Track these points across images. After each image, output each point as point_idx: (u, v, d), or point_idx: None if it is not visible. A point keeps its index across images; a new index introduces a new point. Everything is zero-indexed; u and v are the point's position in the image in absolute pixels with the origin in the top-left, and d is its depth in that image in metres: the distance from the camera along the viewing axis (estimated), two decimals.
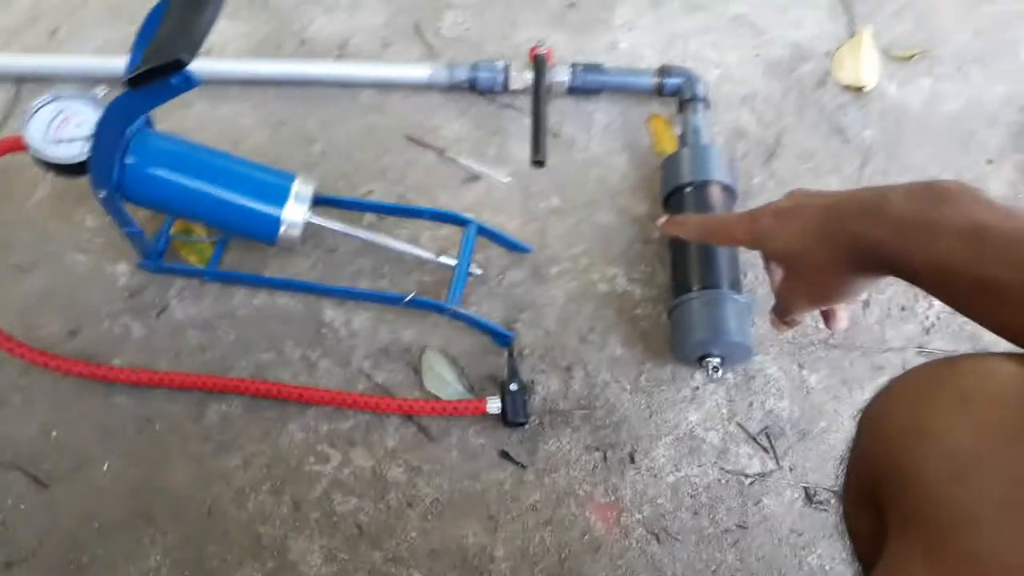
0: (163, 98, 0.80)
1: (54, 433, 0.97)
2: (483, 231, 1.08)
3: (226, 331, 1.04)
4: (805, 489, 0.97)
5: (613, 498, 0.96)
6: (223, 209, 0.97)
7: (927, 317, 1.07)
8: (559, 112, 1.22)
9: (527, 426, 0.99)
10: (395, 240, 1.04)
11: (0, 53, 1.23)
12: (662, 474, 0.97)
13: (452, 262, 1.03)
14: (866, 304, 1.08)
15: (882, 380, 1.03)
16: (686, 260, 1.03)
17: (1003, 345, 0.56)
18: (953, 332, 1.06)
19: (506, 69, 1.20)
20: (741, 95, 1.26)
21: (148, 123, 0.99)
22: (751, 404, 1.02)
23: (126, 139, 0.93)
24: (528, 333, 1.05)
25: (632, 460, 0.98)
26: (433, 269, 1.07)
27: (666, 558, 0.93)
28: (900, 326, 1.07)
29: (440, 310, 1.03)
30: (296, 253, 1.08)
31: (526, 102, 1.18)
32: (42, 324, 1.03)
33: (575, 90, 1.22)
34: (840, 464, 0.61)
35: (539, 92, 1.14)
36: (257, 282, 1.07)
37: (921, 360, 1.05)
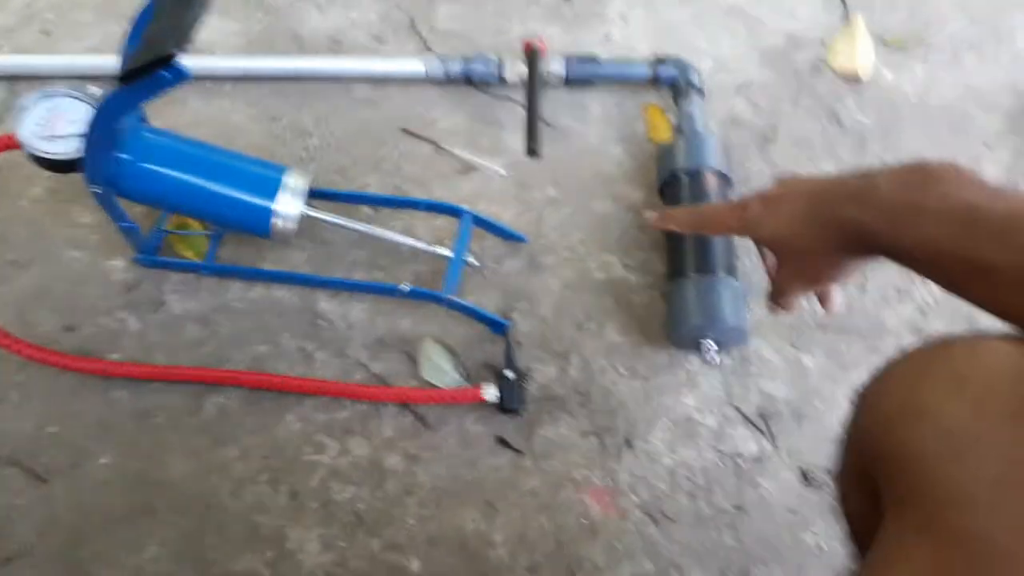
0: (155, 93, 0.81)
1: (52, 428, 0.97)
2: (479, 221, 1.08)
3: (222, 324, 1.04)
4: (801, 470, 0.97)
5: (610, 482, 0.96)
6: (216, 203, 0.97)
7: (923, 299, 1.07)
8: (554, 103, 1.22)
9: (524, 413, 0.99)
10: (391, 231, 1.04)
11: None
12: (659, 458, 0.97)
13: (448, 252, 1.03)
14: (862, 287, 1.08)
15: (878, 362, 1.03)
16: (681, 246, 1.03)
17: (1000, 326, 0.56)
18: (950, 313, 1.06)
19: (501, 61, 1.20)
20: (736, 84, 1.26)
21: (142, 119, 0.99)
22: (747, 387, 1.02)
23: (120, 135, 0.93)
24: (524, 321, 1.05)
25: (629, 444, 0.98)
26: (429, 259, 1.07)
27: (663, 541, 0.93)
28: (896, 308, 1.07)
29: (436, 300, 1.03)
30: (292, 246, 1.08)
31: (521, 94, 1.18)
32: (39, 320, 1.03)
33: (570, 81, 1.22)
34: (836, 445, 0.61)
35: (533, 84, 1.15)
36: (253, 275, 1.07)
37: (917, 341, 1.04)
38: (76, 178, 0.93)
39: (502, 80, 1.21)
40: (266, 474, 0.95)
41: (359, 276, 1.07)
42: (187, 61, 0.77)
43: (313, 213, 1.01)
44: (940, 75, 1.28)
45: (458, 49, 1.26)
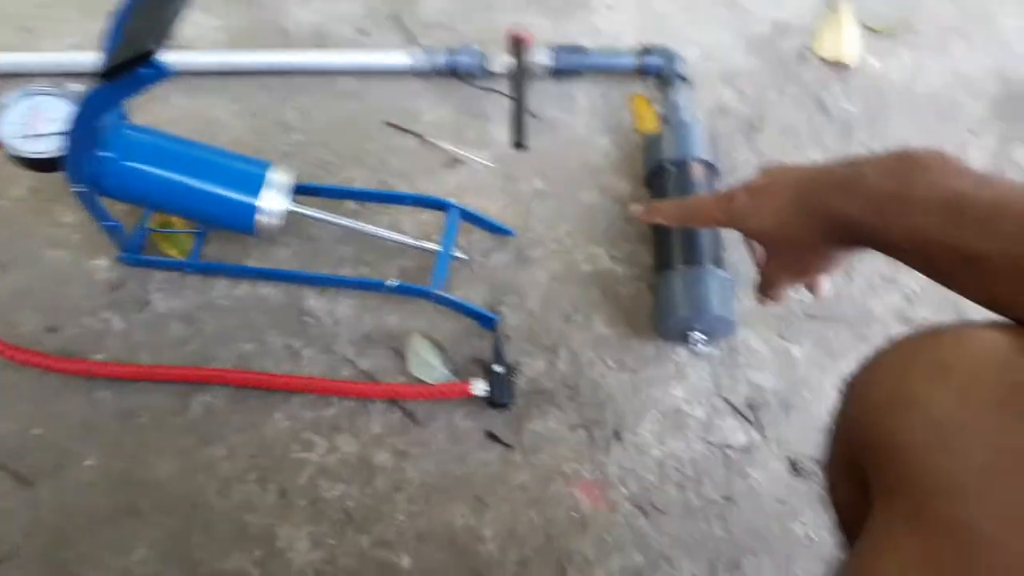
0: (136, 89, 0.80)
1: (36, 430, 0.97)
2: (465, 215, 1.08)
3: (208, 322, 1.03)
4: (790, 459, 0.97)
5: (600, 475, 0.96)
6: (200, 200, 0.97)
7: (909, 287, 1.07)
8: (541, 94, 1.21)
9: (513, 407, 0.98)
10: (377, 226, 1.04)
11: None
12: (648, 449, 0.97)
13: (435, 247, 1.03)
14: (849, 275, 1.08)
15: (866, 350, 1.02)
16: (668, 238, 1.03)
17: (985, 314, 0.56)
18: (936, 301, 1.06)
19: (486, 53, 1.19)
20: (722, 72, 1.26)
21: (123, 117, 0.98)
22: (735, 377, 1.01)
23: (101, 133, 0.92)
24: (512, 315, 1.05)
25: (617, 437, 0.98)
26: (416, 254, 1.06)
27: (653, 532, 0.93)
28: (883, 296, 1.07)
29: (424, 295, 1.02)
30: (277, 242, 1.08)
31: (506, 86, 1.18)
32: (21, 321, 1.02)
33: (556, 72, 1.22)
34: (824, 435, 0.61)
35: (519, 75, 1.14)
36: (238, 272, 1.06)
37: (904, 330, 1.04)
38: (58, 177, 0.92)
39: (488, 72, 1.21)
40: (254, 473, 0.95)
41: (345, 272, 1.07)
42: (169, 57, 0.76)
43: (298, 209, 1.00)
44: (926, 62, 1.28)
45: (443, 41, 1.25)
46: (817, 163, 0.74)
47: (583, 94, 1.23)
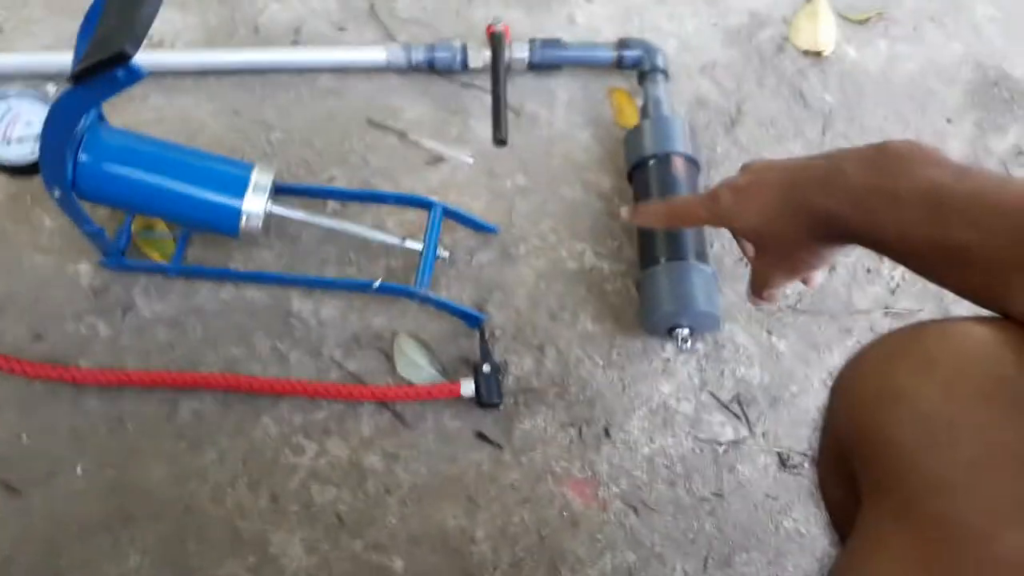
0: (110, 92, 0.78)
1: (24, 439, 0.96)
2: (449, 213, 1.07)
3: (194, 327, 1.03)
4: (779, 454, 0.98)
5: (590, 473, 0.96)
6: (181, 203, 0.96)
7: (892, 278, 1.09)
8: (520, 89, 1.21)
9: (502, 407, 0.99)
10: (359, 226, 1.03)
11: None
12: (637, 447, 0.98)
13: (418, 246, 1.03)
14: (832, 267, 1.09)
15: (850, 343, 1.04)
16: (652, 232, 1.03)
17: (969, 307, 0.57)
18: (918, 292, 1.08)
19: (464, 48, 1.19)
20: (700, 64, 1.26)
21: (100, 118, 0.97)
22: (722, 372, 1.02)
23: (78, 136, 0.91)
24: (499, 314, 1.05)
25: (607, 434, 0.99)
26: (400, 254, 1.06)
27: (644, 530, 0.94)
28: (866, 288, 1.08)
29: (409, 295, 1.02)
30: (260, 244, 1.07)
31: (486, 81, 1.17)
32: (4, 328, 1.01)
33: (535, 66, 1.21)
34: (813, 430, 0.62)
35: (498, 70, 1.14)
36: (222, 275, 1.05)
37: (888, 321, 1.06)
38: (36, 181, 0.91)
39: (466, 67, 1.20)
40: (245, 478, 0.95)
41: (330, 272, 1.06)
42: (146, 57, 0.74)
43: (280, 211, 0.99)
44: (901, 50, 1.29)
45: (420, 36, 1.25)
46: (798, 157, 0.75)
47: (562, 88, 1.23)
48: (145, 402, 0.98)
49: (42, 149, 0.86)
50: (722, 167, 1.16)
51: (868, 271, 1.09)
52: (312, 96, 1.20)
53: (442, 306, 1.02)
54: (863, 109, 1.22)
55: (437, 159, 1.15)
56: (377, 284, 1.01)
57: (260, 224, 0.97)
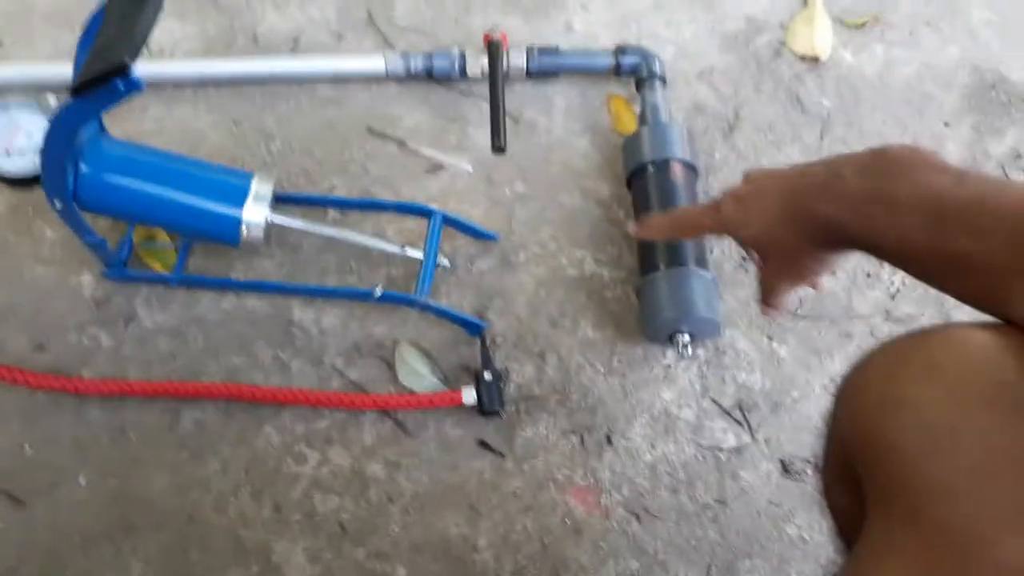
0: (109, 104, 0.78)
1: (27, 449, 0.96)
2: (448, 221, 1.08)
3: (195, 336, 1.03)
4: (781, 460, 0.98)
5: (592, 481, 0.97)
6: (182, 213, 0.96)
7: (892, 283, 1.09)
8: (518, 97, 1.21)
9: (503, 414, 0.99)
10: (360, 235, 1.04)
11: None
12: (639, 454, 0.98)
13: (419, 254, 1.03)
14: (832, 272, 1.09)
15: (851, 348, 1.04)
16: (652, 240, 1.03)
17: (970, 312, 0.57)
18: (918, 297, 1.08)
19: (462, 56, 1.19)
20: (698, 70, 1.26)
21: (101, 130, 0.97)
22: (723, 379, 1.03)
23: (78, 148, 0.91)
24: (499, 321, 1.05)
25: (609, 442, 0.99)
26: (401, 262, 1.06)
27: (647, 537, 0.94)
28: (867, 293, 1.08)
29: (410, 303, 1.02)
30: (261, 253, 1.07)
31: (485, 88, 1.17)
32: (7, 339, 1.01)
33: (533, 74, 1.21)
34: (816, 436, 0.62)
35: (496, 77, 1.14)
36: (224, 285, 1.06)
37: (888, 326, 1.06)
38: (37, 192, 0.91)
39: (464, 75, 1.20)
40: (247, 487, 0.95)
41: (330, 281, 1.07)
42: (146, 67, 0.75)
43: (281, 220, 0.99)
44: (898, 54, 1.29)
45: (419, 44, 1.25)
46: (798, 164, 0.75)
47: (560, 96, 1.23)
48: (147, 412, 0.98)
49: (43, 161, 0.87)
50: (720, 173, 1.16)
51: (868, 276, 1.09)
52: (311, 105, 1.20)
53: (443, 314, 1.03)
54: (860, 114, 1.23)
55: (436, 167, 1.16)
56: (379, 293, 1.01)
57: (261, 233, 0.98)
